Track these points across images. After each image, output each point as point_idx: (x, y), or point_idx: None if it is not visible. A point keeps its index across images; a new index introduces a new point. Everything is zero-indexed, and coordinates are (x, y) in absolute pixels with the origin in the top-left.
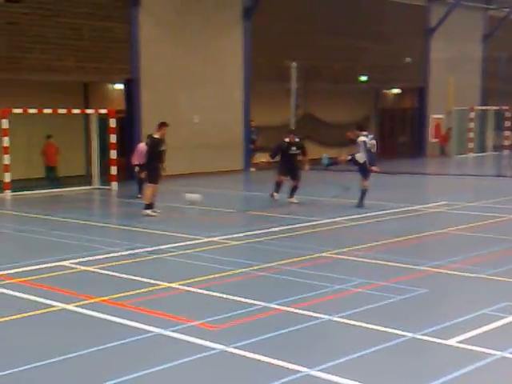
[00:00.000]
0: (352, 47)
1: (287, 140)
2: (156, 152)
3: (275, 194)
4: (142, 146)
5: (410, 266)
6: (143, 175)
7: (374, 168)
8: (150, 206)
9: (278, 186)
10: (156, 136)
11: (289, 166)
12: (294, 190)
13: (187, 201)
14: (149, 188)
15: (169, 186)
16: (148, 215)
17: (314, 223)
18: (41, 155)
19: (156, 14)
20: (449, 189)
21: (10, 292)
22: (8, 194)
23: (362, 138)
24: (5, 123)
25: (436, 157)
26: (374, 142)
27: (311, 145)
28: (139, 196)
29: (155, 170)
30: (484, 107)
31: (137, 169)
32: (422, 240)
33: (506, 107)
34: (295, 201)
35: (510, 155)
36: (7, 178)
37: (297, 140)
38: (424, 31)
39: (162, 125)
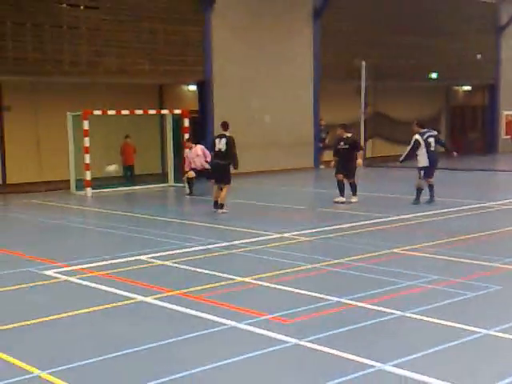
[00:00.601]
0: (421, 45)
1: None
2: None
3: (339, 198)
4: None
5: (483, 263)
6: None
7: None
8: (223, 206)
9: (340, 188)
10: (230, 134)
11: (341, 161)
12: (352, 188)
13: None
14: (228, 188)
15: (241, 184)
16: (223, 213)
17: (383, 220)
18: (119, 154)
19: (228, 17)
20: None
21: (92, 284)
22: (89, 191)
23: (416, 137)
24: (86, 124)
25: (508, 153)
26: (431, 140)
27: (380, 142)
28: (189, 195)
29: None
30: None
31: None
32: (494, 237)
33: None
34: (353, 200)
35: None
36: (88, 176)
37: (348, 135)
38: (494, 28)
39: (227, 124)
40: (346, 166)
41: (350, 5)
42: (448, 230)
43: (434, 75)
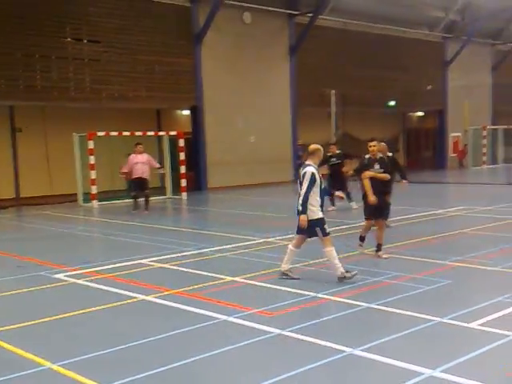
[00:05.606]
0: (381, 77)
1: (329, 153)
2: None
3: (331, 207)
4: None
5: (436, 261)
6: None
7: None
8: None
9: (331, 200)
10: (367, 156)
11: (334, 177)
12: (348, 197)
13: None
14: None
15: (229, 195)
16: (380, 257)
17: (349, 226)
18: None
19: (216, 51)
20: (466, 195)
21: (98, 286)
22: (95, 203)
23: None
24: (91, 144)
25: (455, 169)
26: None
27: (349, 160)
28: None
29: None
30: (494, 126)
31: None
32: (445, 239)
33: None
34: (355, 206)
35: None
36: (94, 190)
37: (338, 152)
38: (442, 63)
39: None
40: (338, 180)
41: (320, 43)
42: (407, 234)
43: (392, 103)
